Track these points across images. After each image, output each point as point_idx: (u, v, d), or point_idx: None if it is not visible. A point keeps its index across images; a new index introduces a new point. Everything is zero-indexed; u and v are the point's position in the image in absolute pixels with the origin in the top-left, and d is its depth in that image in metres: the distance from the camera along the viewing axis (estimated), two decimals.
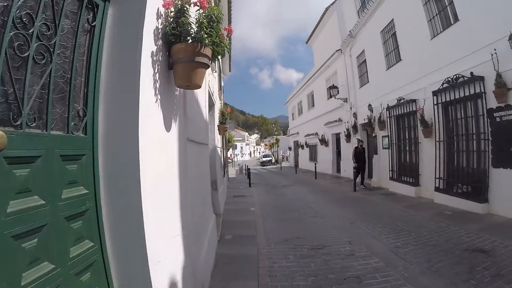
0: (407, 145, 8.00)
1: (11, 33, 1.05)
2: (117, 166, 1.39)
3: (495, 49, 5.03)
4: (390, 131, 8.66)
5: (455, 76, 5.95)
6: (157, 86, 1.59)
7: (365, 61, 10.97)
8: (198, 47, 1.60)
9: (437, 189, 6.48)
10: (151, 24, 1.60)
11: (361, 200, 7.54)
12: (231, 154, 33.07)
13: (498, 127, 5.11)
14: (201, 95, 3.30)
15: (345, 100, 12.69)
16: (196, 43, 1.62)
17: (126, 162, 1.36)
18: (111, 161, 1.42)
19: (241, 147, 56.95)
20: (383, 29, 9.22)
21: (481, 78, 5.39)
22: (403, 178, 8.03)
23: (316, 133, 17.54)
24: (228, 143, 13.65)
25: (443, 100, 6.36)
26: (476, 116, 5.66)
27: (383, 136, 9.20)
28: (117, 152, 1.38)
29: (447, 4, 6.42)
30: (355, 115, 11.71)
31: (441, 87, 6.32)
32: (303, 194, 9.10)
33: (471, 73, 5.55)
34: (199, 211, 2.64)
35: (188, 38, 1.68)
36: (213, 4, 1.89)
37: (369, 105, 9.93)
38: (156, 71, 1.58)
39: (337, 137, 14.86)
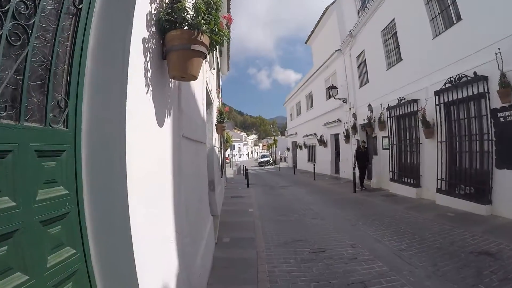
0: (408, 146, 7.89)
1: None
2: (103, 163, 1.24)
3: (499, 48, 4.94)
4: (391, 132, 8.55)
5: (458, 76, 5.85)
6: (149, 76, 1.44)
7: (365, 61, 10.88)
8: (194, 34, 1.46)
9: (439, 190, 6.37)
10: (143, 8, 1.45)
11: (361, 201, 7.41)
12: (229, 155, 32.89)
13: (502, 127, 5.01)
14: (198, 90, 3.15)
15: (345, 100, 12.58)
16: (193, 30, 1.47)
17: (112, 159, 1.21)
18: (95, 158, 1.27)
19: (239, 148, 56.80)
20: (384, 28, 9.12)
21: (485, 78, 5.30)
22: (403, 179, 7.92)
23: (315, 134, 17.43)
24: (226, 143, 13.49)
25: (446, 100, 6.26)
26: (479, 117, 5.56)
27: (383, 137, 9.10)
28: (103, 148, 1.23)
29: (449, 3, 6.33)
30: (354, 115, 11.60)
31: (444, 87, 6.22)
32: (302, 195, 8.96)
33: (475, 72, 5.45)
34: (195, 213, 2.49)
35: (184, 25, 1.53)
36: None
37: (369, 105, 9.83)
38: (147, 59, 1.43)
39: (336, 137, 14.75)
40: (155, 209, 1.53)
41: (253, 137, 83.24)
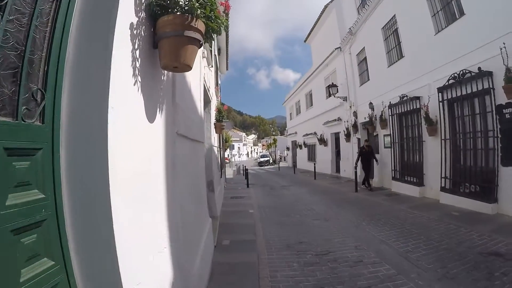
0: (411, 144, 7.76)
1: None
2: (84, 163, 1.09)
3: (504, 43, 4.82)
4: (393, 130, 8.41)
5: (461, 72, 5.72)
6: (137, 65, 1.30)
7: (365, 58, 10.74)
8: (188, 19, 1.31)
9: (443, 189, 6.24)
10: None
11: (363, 201, 7.27)
12: (228, 155, 32.73)
13: (508, 124, 4.89)
14: (195, 86, 3.00)
15: (345, 98, 12.45)
16: (186, 15, 1.32)
17: (93, 159, 1.06)
18: (77, 157, 1.12)
19: (239, 148, 56.64)
20: (385, 25, 8.99)
21: (490, 74, 5.18)
22: (406, 178, 7.79)
23: (315, 133, 17.29)
24: (225, 143, 13.34)
25: (449, 97, 6.13)
26: (484, 113, 5.44)
27: (384, 135, 8.96)
28: (84, 146, 1.08)
29: None
30: (355, 113, 11.47)
31: (447, 83, 6.09)
32: (303, 195, 8.82)
33: (479, 68, 5.33)
34: (192, 216, 2.34)
35: (177, 9, 1.39)
36: None
37: (370, 103, 9.69)
38: (135, 47, 1.29)
39: (336, 136, 14.62)
40: (145, 214, 1.38)
41: (252, 137, 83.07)
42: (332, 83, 12.62)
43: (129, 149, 1.22)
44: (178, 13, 1.35)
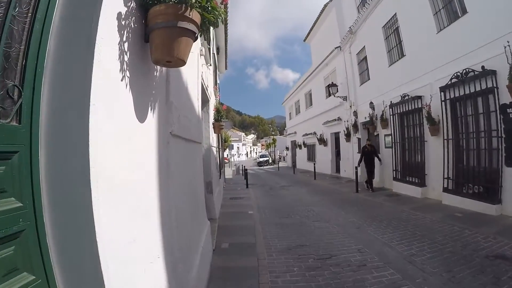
0: (412, 144, 7.66)
1: None
2: (64, 168, 0.98)
3: (508, 42, 4.73)
4: (394, 130, 8.31)
5: (464, 71, 5.62)
6: (125, 59, 1.19)
7: (365, 58, 10.64)
8: (182, 9, 1.20)
9: (445, 189, 6.14)
10: None
11: (364, 201, 7.17)
12: (227, 155, 32.59)
13: None
14: (192, 84, 2.89)
15: (345, 98, 12.35)
16: (180, 5, 1.21)
17: (73, 164, 0.95)
18: (57, 161, 1.01)
19: (238, 147, 56.49)
20: (385, 24, 8.89)
21: (493, 72, 5.08)
22: (407, 178, 7.69)
23: (315, 133, 17.19)
24: (224, 143, 13.23)
25: (452, 96, 6.03)
26: (487, 113, 5.34)
27: (385, 135, 8.86)
28: (64, 149, 0.97)
29: None
30: (355, 113, 11.37)
31: (449, 83, 5.99)
32: (303, 196, 8.72)
33: (483, 67, 5.23)
34: (188, 220, 2.22)
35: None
36: None
37: (371, 102, 9.59)
38: (124, 39, 1.18)
39: (336, 136, 14.53)
40: (136, 222, 1.27)
41: (251, 136, 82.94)
42: (332, 82, 12.52)
43: (116, 152, 1.11)
44: (171, 2, 1.24)
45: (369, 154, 8.68)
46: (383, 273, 3.04)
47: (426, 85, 6.85)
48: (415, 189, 7.17)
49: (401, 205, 6.32)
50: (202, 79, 3.90)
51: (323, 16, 15.38)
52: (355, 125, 11.36)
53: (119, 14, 1.15)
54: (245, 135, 71.36)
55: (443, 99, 6.21)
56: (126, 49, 1.19)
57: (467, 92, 5.63)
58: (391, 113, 8.38)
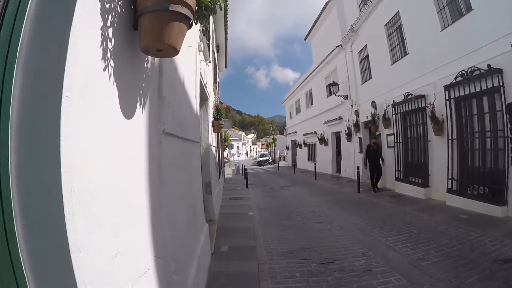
0: (415, 144, 7.53)
1: None
2: (34, 172, 0.84)
3: None
4: (396, 129, 8.18)
5: (470, 69, 5.49)
6: (109, 47, 1.05)
7: (367, 56, 10.50)
8: None
9: (449, 190, 6.01)
10: None
11: (367, 202, 7.04)
12: (227, 154, 32.45)
13: None
14: (189, 80, 2.75)
15: (346, 97, 12.22)
16: None
17: (43, 165, 0.82)
18: (30, 164, 0.86)
19: (238, 147, 56.33)
20: (388, 22, 8.74)
21: (499, 71, 4.96)
22: (410, 179, 7.56)
23: (315, 132, 17.06)
24: (224, 142, 13.08)
25: (456, 95, 5.90)
26: (493, 112, 5.22)
27: (388, 134, 8.72)
28: (35, 149, 0.83)
29: None
30: (356, 112, 11.23)
31: (454, 81, 5.86)
32: (304, 196, 8.58)
33: (489, 65, 5.10)
34: (184, 226, 2.08)
35: None
36: None
37: (373, 102, 9.45)
38: (108, 24, 1.04)
39: (337, 135, 14.40)
40: (121, 234, 1.13)
41: (251, 136, 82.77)
42: (333, 81, 12.38)
43: (96, 152, 0.97)
44: None
45: (373, 153, 8.42)
46: (389, 279, 2.92)
47: (430, 84, 6.72)
48: (418, 190, 7.04)
49: (404, 206, 6.19)
50: (201, 75, 3.76)
51: (324, 14, 15.23)
52: (356, 125, 11.22)
53: None
54: (245, 135, 71.20)
55: (447, 98, 6.08)
56: (110, 36, 1.05)
57: (472, 91, 5.50)
58: (393, 112, 8.24)
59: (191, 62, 3.12)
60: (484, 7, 5.38)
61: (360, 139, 11.14)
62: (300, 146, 21.51)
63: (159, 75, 1.63)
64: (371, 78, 10.28)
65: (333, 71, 14.24)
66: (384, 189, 8.77)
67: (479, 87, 5.32)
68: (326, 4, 14.55)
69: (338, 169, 14.44)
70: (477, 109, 5.57)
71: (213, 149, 6.44)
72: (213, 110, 5.69)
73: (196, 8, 1.18)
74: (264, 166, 31.35)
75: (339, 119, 13.34)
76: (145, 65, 1.46)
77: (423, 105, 6.94)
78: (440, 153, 6.44)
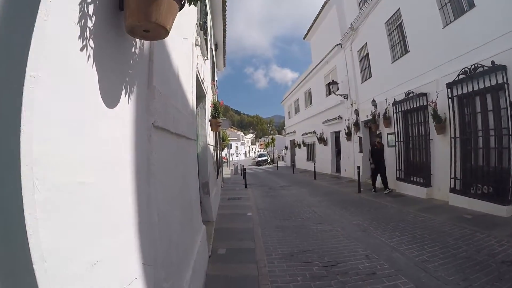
0: (417, 143, 7.41)
1: None
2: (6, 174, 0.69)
3: None
4: (397, 128, 8.05)
5: (473, 66, 5.38)
6: (89, 25, 0.90)
7: (367, 55, 10.38)
8: None
9: (452, 190, 5.89)
10: None
11: (368, 202, 6.90)
12: (226, 154, 32.29)
13: None
14: (185, 73, 2.60)
15: (345, 96, 12.10)
16: None
17: (4, 165, 0.66)
18: None
19: (236, 147, 56.19)
20: (388, 20, 8.62)
21: (504, 68, 4.85)
22: (412, 178, 7.44)
23: (314, 132, 16.93)
24: (222, 142, 12.91)
25: (459, 93, 5.78)
26: (497, 110, 5.10)
27: (388, 133, 8.59)
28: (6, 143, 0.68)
29: None
30: (356, 111, 11.11)
31: (457, 79, 5.74)
32: (304, 196, 8.44)
33: (492, 62, 4.99)
34: (177, 229, 1.92)
35: None
36: None
37: (373, 100, 9.33)
38: (89, 0, 0.89)
39: (337, 135, 14.27)
40: (102, 237, 0.98)
41: (250, 136, 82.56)
42: (333, 80, 12.25)
43: (69, 145, 0.82)
44: None
45: (378, 153, 8.04)
46: (395, 283, 2.78)
47: (432, 82, 6.60)
48: (420, 190, 6.92)
49: (407, 206, 6.06)
50: (198, 71, 3.61)
51: (323, 13, 15.11)
52: (356, 124, 11.10)
53: None
54: (243, 135, 71.04)
55: (450, 96, 5.96)
56: (91, 13, 0.91)
57: (475, 88, 5.40)
58: (394, 111, 8.12)
59: (188, 55, 2.98)
60: (487, 3, 5.28)
61: (360, 138, 11.02)
62: (299, 146, 21.38)
63: (149, 62, 1.49)
64: (371, 76, 10.17)
65: (332, 70, 14.12)
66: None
67: (483, 85, 5.21)
68: (326, 2, 14.43)
69: (338, 169, 14.32)
70: (480, 106, 5.46)
71: (211, 148, 6.28)
72: (210, 108, 5.54)
73: None
74: (263, 166, 31.18)
75: (338, 118, 13.22)
76: (133, 50, 1.31)
77: (425, 103, 6.82)
78: (442, 152, 6.32)
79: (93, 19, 0.94)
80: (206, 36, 4.74)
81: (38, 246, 0.67)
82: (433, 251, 3.54)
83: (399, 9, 8.02)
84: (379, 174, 8.07)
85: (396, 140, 8.08)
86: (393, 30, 8.56)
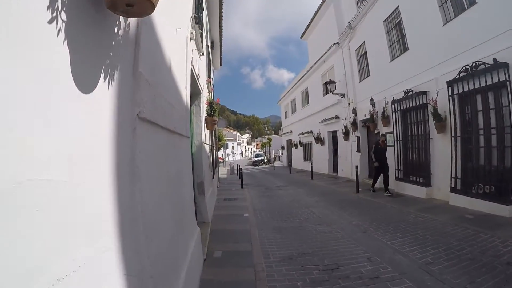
0: (416, 142, 7.30)
1: None
2: None
3: None
4: (396, 127, 7.95)
5: (474, 64, 5.28)
6: None
7: (365, 53, 10.28)
8: None
9: (453, 189, 5.79)
10: None
11: (367, 203, 6.78)
12: (222, 154, 32.07)
13: None
14: (178, 65, 2.42)
15: (343, 95, 11.99)
16: None
17: None
18: None
19: (233, 147, 55.99)
20: (387, 18, 8.52)
21: (506, 65, 4.76)
22: (411, 178, 7.34)
23: (311, 131, 16.81)
24: (218, 141, 12.71)
25: (460, 91, 5.68)
26: (499, 108, 5.00)
27: (387, 133, 8.49)
28: None
29: None
30: (354, 111, 11.00)
31: (458, 77, 5.64)
32: (301, 197, 8.29)
33: (494, 59, 4.89)
34: (168, 232, 1.74)
35: None
36: None
37: (371, 99, 9.22)
38: None
39: (334, 135, 14.16)
40: (72, 246, 0.81)
41: (246, 136, 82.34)
42: (330, 79, 12.14)
43: (26, 132, 0.65)
44: None
45: (381, 152, 7.58)
46: (400, 287, 2.64)
47: (432, 80, 6.50)
48: (419, 189, 6.82)
49: (406, 206, 5.95)
50: (192, 65, 3.43)
51: (321, 12, 15.00)
52: (354, 123, 10.99)
53: None
54: (240, 135, 70.81)
55: (450, 94, 5.86)
56: None
57: (477, 86, 5.30)
58: (393, 110, 8.01)
59: (182, 47, 2.80)
60: (489, 0, 5.19)
61: (358, 138, 10.91)
62: (296, 146, 21.25)
63: (136, 46, 1.31)
64: (369, 75, 10.06)
65: (329, 69, 14.02)
66: (383, 188, 8.52)
67: (484, 82, 5.12)
68: (323, 1, 14.32)
69: (335, 169, 14.21)
70: (482, 105, 5.36)
71: (207, 147, 6.10)
72: (206, 105, 5.36)
73: None
74: (259, 166, 31.02)
75: (335, 117, 13.11)
76: (116, 31, 1.14)
77: (425, 101, 6.72)
78: (442, 151, 6.22)
79: None
80: (202, 31, 4.57)
81: None
82: (437, 253, 3.42)
83: (398, 7, 7.92)
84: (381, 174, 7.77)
85: (395, 139, 7.97)
86: (391, 28, 8.46)
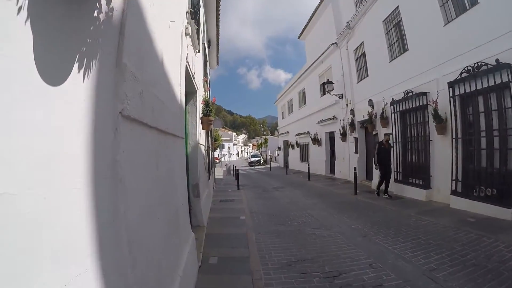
0: (415, 143, 7.21)
1: None
2: None
3: None
4: (395, 128, 7.85)
5: (476, 65, 5.19)
6: None
7: (363, 54, 10.19)
8: None
9: (453, 192, 5.69)
10: None
11: (366, 205, 6.66)
12: (218, 154, 31.83)
13: None
14: (171, 61, 2.26)
15: (341, 96, 11.89)
16: None
17: None
18: None
19: (229, 147, 55.73)
20: (386, 18, 8.43)
21: (508, 66, 4.67)
22: (410, 180, 7.23)
23: (308, 132, 16.70)
24: (214, 142, 12.52)
25: (461, 92, 5.59)
26: (501, 109, 4.91)
27: (385, 134, 8.39)
28: None
29: None
30: (352, 112, 10.90)
31: (459, 77, 5.55)
32: (299, 198, 8.15)
33: (497, 60, 4.80)
34: (158, 240, 1.56)
35: None
36: None
37: (370, 100, 9.12)
38: None
39: (331, 135, 14.06)
40: (37, 275, 0.65)
41: (243, 136, 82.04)
42: (328, 79, 12.03)
43: None
44: None
45: (385, 152, 7.22)
46: None
47: (432, 81, 6.41)
48: (419, 192, 6.71)
49: (406, 209, 5.84)
50: (187, 62, 3.26)
51: (319, 12, 14.91)
52: (352, 124, 10.89)
53: None
54: (236, 135, 70.59)
55: (451, 95, 5.77)
56: None
57: (478, 87, 5.21)
58: (392, 111, 7.91)
59: (176, 42, 2.64)
60: (491, 0, 5.10)
61: (356, 139, 10.82)
62: (293, 147, 21.13)
63: (120, 35, 1.15)
64: (367, 76, 9.97)
65: (327, 69, 13.92)
66: (381, 190, 8.41)
67: (486, 83, 5.03)
68: (321, 1, 14.23)
69: (332, 170, 14.10)
70: (484, 106, 5.27)
71: (202, 148, 5.92)
72: (202, 105, 5.19)
73: None
74: (256, 167, 30.84)
75: (333, 118, 13.01)
76: (95, 14, 0.98)
77: (425, 103, 6.62)
78: (443, 153, 6.13)
79: None
80: (198, 27, 4.40)
81: None
82: (441, 258, 3.30)
83: (397, 6, 7.83)
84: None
85: (394, 140, 7.87)
86: (391, 29, 8.37)
